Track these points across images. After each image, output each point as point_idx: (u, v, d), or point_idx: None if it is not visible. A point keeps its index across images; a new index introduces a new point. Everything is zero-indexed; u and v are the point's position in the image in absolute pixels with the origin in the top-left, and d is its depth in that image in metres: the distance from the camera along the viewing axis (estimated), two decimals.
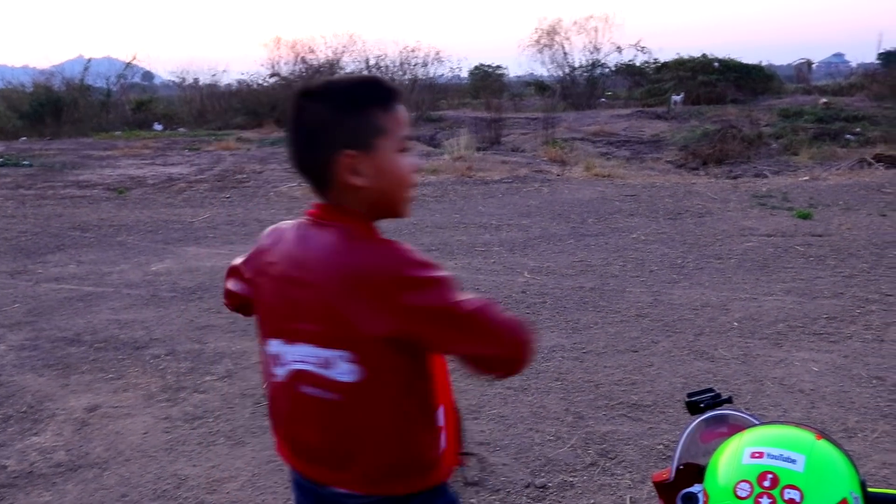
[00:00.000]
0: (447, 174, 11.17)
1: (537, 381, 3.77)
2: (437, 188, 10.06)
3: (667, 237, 6.85)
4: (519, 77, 35.26)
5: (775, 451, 1.21)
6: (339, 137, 1.24)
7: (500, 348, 1.24)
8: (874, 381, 3.69)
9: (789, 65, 39.42)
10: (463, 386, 3.72)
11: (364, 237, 1.27)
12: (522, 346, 1.25)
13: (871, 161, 11.01)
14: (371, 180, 1.26)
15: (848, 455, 1.25)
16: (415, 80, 26.75)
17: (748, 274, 5.58)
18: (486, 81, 32.33)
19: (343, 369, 1.23)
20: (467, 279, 5.53)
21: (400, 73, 26.89)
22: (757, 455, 1.21)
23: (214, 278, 5.80)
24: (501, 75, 34.86)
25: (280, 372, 1.32)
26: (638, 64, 29.48)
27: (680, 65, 27.82)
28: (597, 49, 28.39)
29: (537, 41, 28.47)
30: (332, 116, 1.24)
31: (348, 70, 26.16)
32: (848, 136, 13.87)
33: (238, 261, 1.52)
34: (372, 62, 26.82)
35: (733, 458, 1.24)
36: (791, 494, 1.14)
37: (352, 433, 1.28)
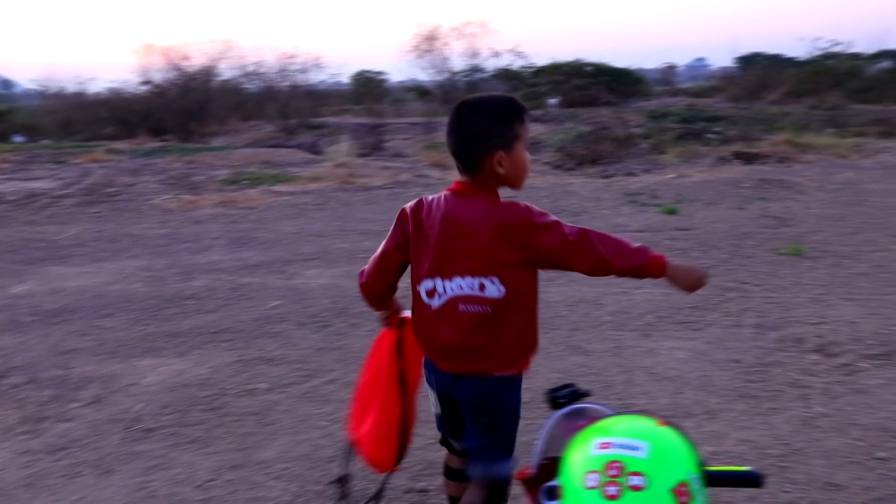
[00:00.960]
0: (328, 181, 11.06)
1: None
2: (318, 196, 9.94)
3: None
4: (401, 82, 35.39)
5: (621, 441, 1.27)
6: (494, 141, 1.89)
7: (597, 256, 1.88)
8: (732, 364, 3.93)
9: (657, 68, 41.42)
10: (344, 395, 3.69)
11: (500, 202, 1.92)
12: (613, 255, 1.91)
13: (731, 158, 11.75)
14: (508, 170, 1.92)
15: (689, 439, 1.33)
16: (294, 87, 26.33)
17: None
18: (368, 87, 32.30)
19: (493, 290, 1.89)
20: (347, 287, 5.49)
21: (279, 79, 26.41)
22: (604, 446, 1.26)
23: (81, 298, 5.50)
24: (383, 81, 34.92)
25: (436, 302, 1.96)
26: (515, 68, 30.21)
27: (555, 69, 28.77)
28: (475, 54, 28.88)
29: (417, 47, 28.66)
30: (490, 126, 1.89)
31: (226, 76, 25.45)
32: (709, 134, 14.75)
33: (383, 247, 2.11)
34: (250, 69, 26.22)
35: (583, 451, 1.29)
36: (635, 480, 1.20)
37: (494, 333, 1.93)
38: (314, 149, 15.74)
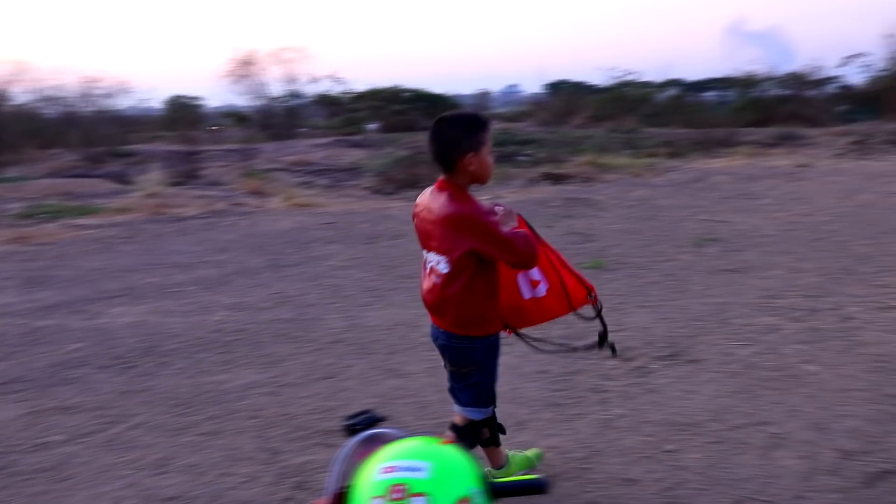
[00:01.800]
0: (138, 212, 10.46)
1: (231, 422, 3.66)
2: (125, 228, 9.37)
3: (363, 262, 7.08)
4: (218, 108, 34.26)
5: (403, 464, 1.29)
6: (466, 146, 2.41)
7: (517, 258, 2.45)
8: (540, 375, 4.14)
9: (472, 94, 42.98)
10: (150, 440, 3.50)
11: (460, 199, 2.44)
12: (530, 256, 2.46)
13: (540, 179, 12.42)
14: (478, 168, 2.45)
15: (471, 455, 1.37)
16: (99, 113, 24.73)
17: None
18: (183, 113, 30.95)
19: (443, 266, 2.46)
20: (156, 324, 5.21)
21: (81, 104, 24.70)
22: (388, 470, 1.28)
23: None
24: (199, 106, 33.59)
25: (427, 267, 2.55)
26: (335, 94, 30.25)
27: (374, 95, 29.12)
28: (294, 80, 28.61)
29: (233, 72, 27.93)
30: (463, 134, 2.43)
31: (20, 100, 23.49)
32: (521, 157, 15.52)
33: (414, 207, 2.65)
34: (48, 93, 24.30)
35: (368, 476, 1.30)
36: (418, 501, 1.23)
37: (444, 299, 2.51)
38: (122, 178, 14.82)
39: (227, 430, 3.57)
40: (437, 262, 2.48)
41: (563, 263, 2.79)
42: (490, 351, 2.63)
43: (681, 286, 5.91)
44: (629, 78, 29.60)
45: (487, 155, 2.48)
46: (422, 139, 18.75)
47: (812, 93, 27.54)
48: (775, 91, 27.45)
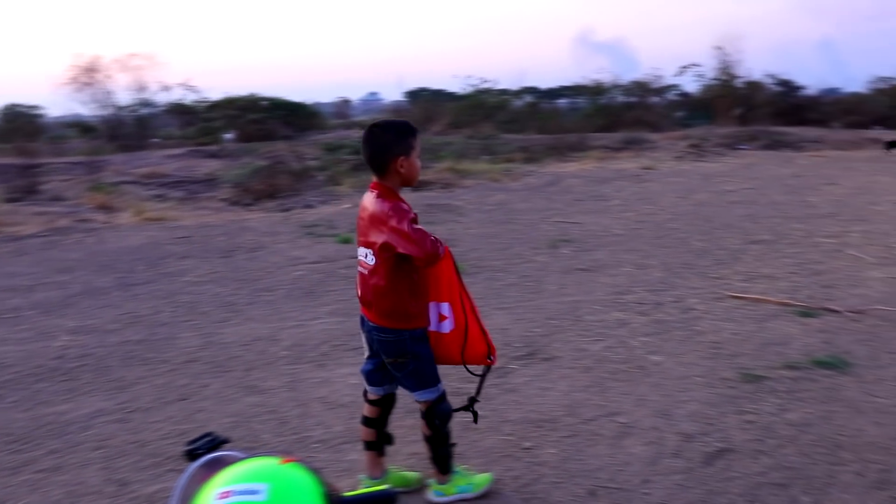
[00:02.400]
0: None
1: (74, 455, 3.42)
2: None
3: (219, 276, 6.84)
4: (59, 118, 32.02)
5: (240, 487, 1.24)
6: (397, 150, 2.61)
7: (418, 252, 2.53)
8: None
9: (332, 102, 42.63)
10: None
11: (387, 197, 2.62)
12: (430, 253, 2.55)
13: None
14: (408, 171, 2.65)
15: (315, 472, 1.35)
16: None
17: (296, 302, 5.86)
18: (20, 123, 28.69)
19: (370, 258, 2.66)
20: None
21: None
22: (224, 495, 1.23)
23: None
24: (39, 116, 31.26)
25: (359, 262, 2.73)
26: (188, 103, 29.06)
27: (230, 103, 28.21)
28: (143, 88, 27.23)
29: (75, 79, 26.19)
30: (395, 139, 2.63)
31: None
32: None
33: None
34: None
35: (205, 503, 1.25)
36: None
37: (370, 291, 2.67)
38: None
39: (70, 464, 3.33)
40: (366, 256, 2.69)
41: (476, 315, 2.87)
42: (420, 341, 2.75)
43: (537, 287, 6.12)
44: (486, 86, 30.31)
45: (416, 159, 2.68)
46: (282, 148, 18.43)
47: (654, 100, 29.35)
48: (621, 98, 29.00)
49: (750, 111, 25.21)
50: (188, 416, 3.78)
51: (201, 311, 5.71)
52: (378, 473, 2.98)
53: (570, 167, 15.17)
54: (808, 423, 3.54)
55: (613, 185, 12.52)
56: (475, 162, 15.56)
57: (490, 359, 2.90)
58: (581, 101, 31.70)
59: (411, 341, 2.72)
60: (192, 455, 1.65)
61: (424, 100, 34.09)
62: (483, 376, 2.97)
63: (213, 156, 18.96)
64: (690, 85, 31.49)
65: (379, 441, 2.97)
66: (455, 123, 25.90)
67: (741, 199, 10.62)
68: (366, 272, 2.69)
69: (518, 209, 10.26)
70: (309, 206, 11.44)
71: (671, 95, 30.35)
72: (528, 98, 32.71)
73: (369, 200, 2.67)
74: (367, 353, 2.88)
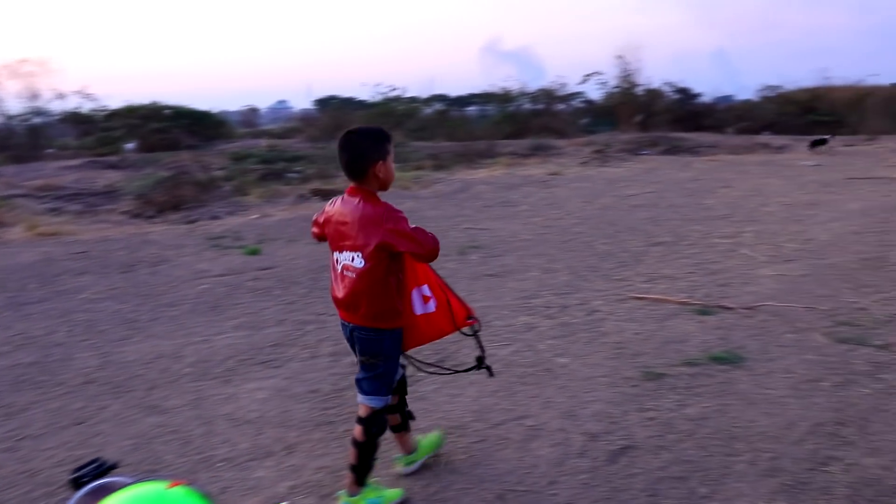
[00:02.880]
0: None
1: None
2: None
3: (120, 292, 6.57)
4: None
5: None
6: (374, 155, 2.71)
7: (421, 249, 2.67)
8: (311, 395, 4.09)
9: (239, 110, 41.72)
10: None
11: (372, 201, 2.72)
12: (432, 249, 2.69)
13: (310, 195, 12.34)
14: (384, 176, 2.75)
15: (205, 492, 1.31)
16: None
17: (201, 316, 5.70)
18: None
19: (358, 262, 2.70)
20: None
21: None
22: None
23: None
24: None
25: (338, 267, 2.80)
26: (85, 111, 27.85)
27: (131, 112, 27.23)
28: (36, 96, 25.92)
29: None
30: (372, 145, 2.74)
31: None
32: (290, 174, 15.31)
33: (317, 216, 2.96)
34: None
35: None
36: None
37: (359, 294, 2.74)
38: None
39: None
40: (353, 259, 2.73)
41: (448, 286, 3.07)
42: (396, 342, 2.89)
43: None
44: (395, 93, 30.35)
45: (391, 163, 2.79)
46: (187, 158, 17.92)
47: (560, 107, 30.09)
48: (529, 106, 29.59)
49: (650, 118, 26.17)
50: (84, 441, 3.62)
51: (99, 329, 5.47)
52: (410, 449, 3.24)
53: (480, 174, 15.36)
54: (705, 417, 3.70)
55: (521, 190, 12.75)
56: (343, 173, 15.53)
57: (473, 318, 3.08)
58: (490, 108, 32.14)
59: (389, 341, 2.85)
60: (77, 483, 1.59)
61: (334, 108, 33.83)
62: (476, 334, 3.12)
63: (112, 166, 18.23)
64: (594, 93, 32.40)
65: (404, 422, 3.19)
66: None
67: (643, 203, 11.00)
68: (354, 275, 2.74)
69: (428, 216, 10.30)
70: (215, 218, 11.16)
71: (576, 103, 31.19)
72: (438, 106, 32.94)
73: (351, 205, 2.75)
74: (357, 360, 2.95)
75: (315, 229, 2.99)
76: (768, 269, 6.73)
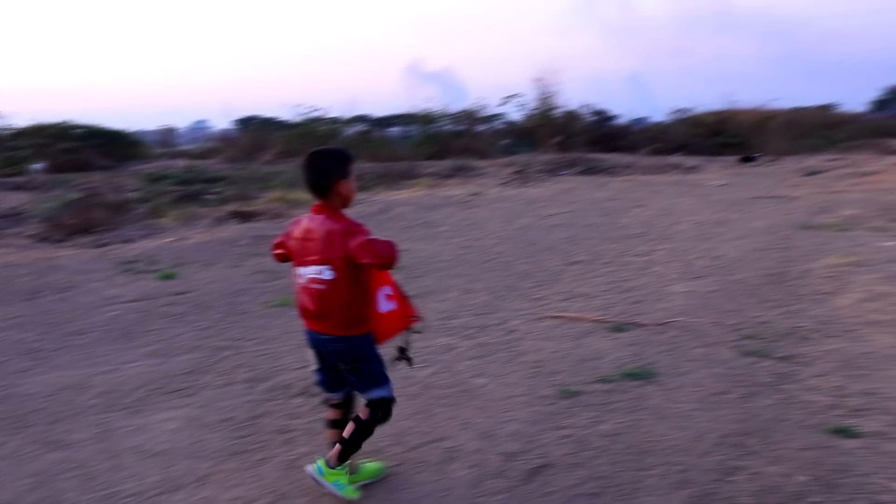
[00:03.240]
0: None
1: None
2: None
3: (23, 321, 6.27)
4: None
5: None
6: (337, 174, 2.96)
7: (380, 260, 2.86)
8: (224, 424, 3.99)
9: (156, 130, 40.63)
10: None
11: (336, 217, 2.96)
12: (390, 258, 2.87)
13: (228, 217, 12.10)
14: (345, 192, 2.98)
15: None
16: None
17: (111, 344, 5.49)
18: None
19: (327, 274, 2.93)
20: None
21: None
22: None
23: None
24: None
25: (302, 281, 3.02)
26: None
27: (39, 131, 26.17)
28: None
29: None
30: (333, 165, 2.98)
31: None
32: (208, 196, 14.98)
33: (279, 238, 3.19)
34: None
35: None
36: None
37: (329, 304, 2.97)
38: None
39: None
40: (320, 272, 2.97)
41: (399, 288, 3.30)
42: (369, 344, 3.12)
43: None
44: (317, 114, 30.14)
45: (353, 181, 3.03)
46: (99, 179, 17.31)
47: (481, 128, 30.48)
48: (450, 127, 29.86)
49: (569, 139, 26.79)
50: None
51: None
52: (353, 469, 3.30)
53: (401, 195, 15.39)
54: (619, 433, 3.78)
55: (442, 211, 12.84)
56: (307, 191, 15.40)
57: (417, 317, 3.33)
58: (412, 129, 32.30)
59: (363, 345, 3.10)
60: None
61: (254, 128, 33.39)
62: (418, 332, 3.38)
63: (19, 188, 17.44)
64: (514, 114, 32.95)
65: (344, 420, 3.26)
66: (286, 152, 25.54)
67: (561, 223, 11.23)
68: (324, 287, 2.97)
69: None
70: (128, 241, 10.79)
71: (497, 124, 31.66)
72: (360, 126, 32.91)
73: (317, 222, 2.99)
74: (316, 366, 3.22)
75: (279, 250, 3.19)
76: (679, 285, 6.96)
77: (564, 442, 3.69)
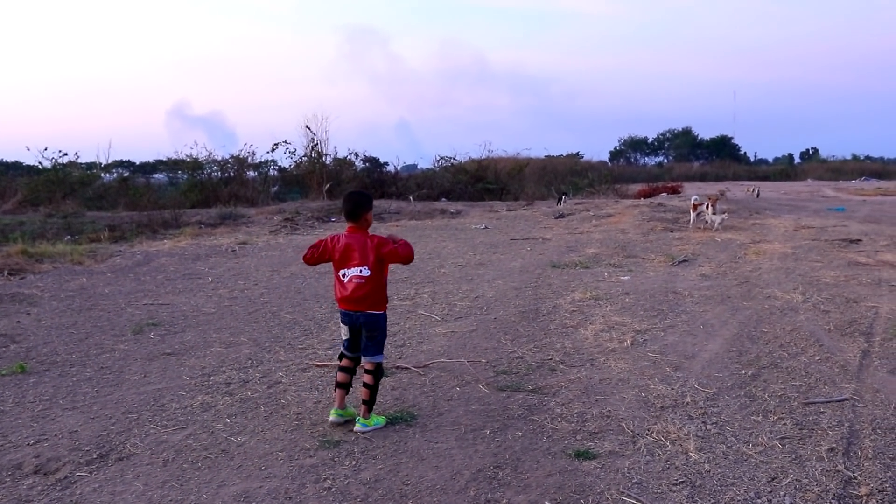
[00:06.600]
0: None
1: None
2: None
3: None
4: None
5: None
6: (367, 206, 4.65)
7: (403, 260, 4.58)
8: None
9: None
10: None
11: (367, 234, 4.61)
12: (410, 256, 4.58)
13: None
14: (370, 219, 4.67)
15: None
16: None
17: None
18: None
19: (365, 272, 4.50)
20: None
21: None
22: None
23: None
24: None
25: (345, 279, 4.54)
26: None
27: None
28: None
29: None
30: (366, 200, 4.68)
31: None
32: None
33: (325, 238, 4.68)
34: None
35: None
36: None
37: (366, 291, 4.50)
38: None
39: None
40: (360, 270, 4.45)
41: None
42: (385, 319, 4.64)
43: (116, 378, 5.66)
44: (68, 159, 27.75)
45: (371, 213, 4.64)
46: None
47: (250, 174, 29.86)
48: (217, 173, 28.91)
49: (339, 186, 27.07)
50: None
51: None
52: (343, 405, 4.66)
53: (164, 245, 14.55)
54: (379, 479, 3.82)
55: (208, 261, 12.32)
56: (54, 243, 14.05)
57: None
58: (179, 176, 30.83)
59: (383, 318, 4.60)
60: None
61: None
62: None
63: None
64: (284, 161, 32.70)
65: (348, 386, 4.68)
66: (30, 200, 23.22)
67: (329, 269, 11.23)
68: (363, 281, 4.44)
69: (102, 293, 9.47)
70: None
71: (267, 170, 31.19)
72: (119, 172, 30.83)
73: (354, 238, 4.51)
74: (346, 336, 4.61)
75: (313, 252, 4.63)
76: (441, 326, 7.24)
77: (324, 494, 3.64)
